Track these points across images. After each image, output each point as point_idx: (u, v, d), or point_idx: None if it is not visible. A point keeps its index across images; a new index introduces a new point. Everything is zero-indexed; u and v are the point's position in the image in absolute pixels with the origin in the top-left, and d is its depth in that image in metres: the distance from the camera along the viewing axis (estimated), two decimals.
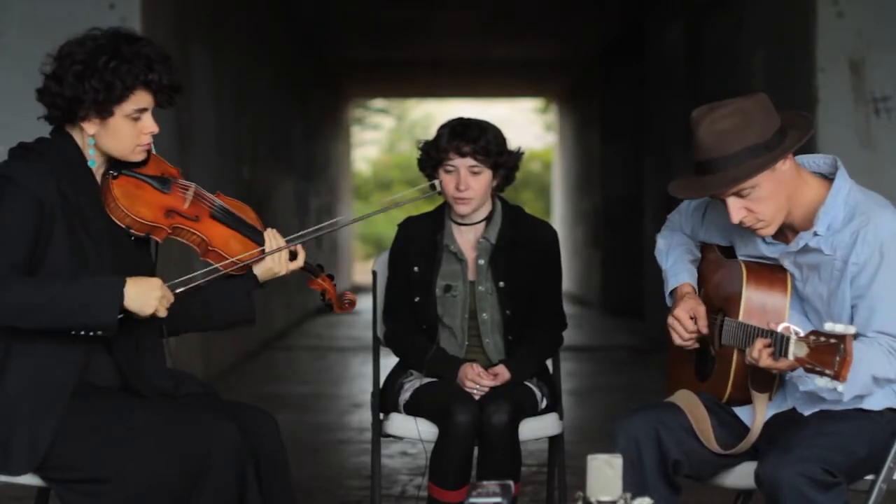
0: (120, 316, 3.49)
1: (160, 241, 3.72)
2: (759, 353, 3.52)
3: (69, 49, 3.64)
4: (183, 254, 3.98)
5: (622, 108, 16.55)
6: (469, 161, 4.51)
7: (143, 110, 3.65)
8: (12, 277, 3.48)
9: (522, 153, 4.64)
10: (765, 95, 3.67)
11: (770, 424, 3.75)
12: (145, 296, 3.51)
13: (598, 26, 15.76)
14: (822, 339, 3.30)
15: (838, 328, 3.28)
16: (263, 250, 3.81)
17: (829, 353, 3.27)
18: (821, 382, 3.32)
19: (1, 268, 3.48)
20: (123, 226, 3.65)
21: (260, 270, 3.83)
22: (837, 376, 3.26)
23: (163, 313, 3.54)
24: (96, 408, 3.56)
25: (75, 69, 3.60)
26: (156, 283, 3.54)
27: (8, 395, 3.56)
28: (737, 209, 3.61)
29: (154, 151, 3.81)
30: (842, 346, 3.25)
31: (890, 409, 3.71)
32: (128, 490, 3.48)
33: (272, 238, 3.83)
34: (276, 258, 3.83)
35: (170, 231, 3.69)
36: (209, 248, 3.73)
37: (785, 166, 3.63)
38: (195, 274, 3.66)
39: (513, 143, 4.63)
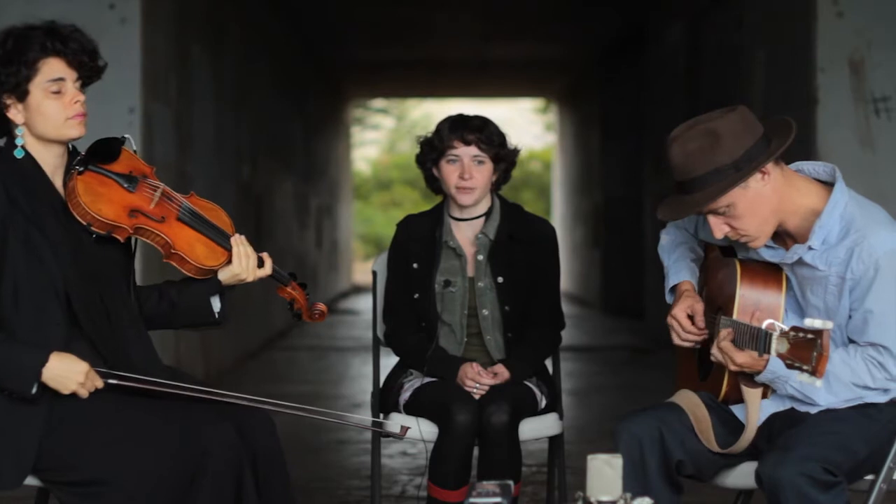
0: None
1: (122, 241, 3.69)
2: (722, 348, 3.58)
3: None
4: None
5: (622, 108, 16.55)
6: (473, 150, 4.53)
7: (61, 80, 3.60)
8: None
9: (519, 150, 4.66)
10: (744, 109, 3.66)
11: (770, 424, 3.76)
12: (64, 377, 3.51)
13: (598, 26, 15.76)
14: (801, 334, 3.33)
15: (817, 323, 3.30)
16: (230, 256, 3.76)
17: (807, 349, 3.30)
18: (800, 378, 3.34)
19: None
20: (84, 223, 3.61)
21: (225, 276, 3.79)
22: (815, 372, 3.28)
23: (83, 395, 3.53)
24: (91, 409, 3.55)
25: None
26: (81, 367, 3.52)
27: None
28: (718, 226, 3.64)
29: (133, 149, 3.78)
30: (819, 341, 3.27)
31: (893, 403, 3.71)
32: (125, 491, 3.47)
33: (239, 244, 3.78)
34: (243, 263, 3.77)
35: (132, 231, 3.65)
36: (172, 250, 3.69)
37: (763, 181, 3.61)
38: (139, 377, 3.59)
39: (512, 142, 4.65)
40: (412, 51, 17.66)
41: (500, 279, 4.55)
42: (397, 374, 4.65)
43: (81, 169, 3.65)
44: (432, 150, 4.58)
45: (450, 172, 4.55)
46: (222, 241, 3.77)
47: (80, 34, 3.65)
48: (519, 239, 4.59)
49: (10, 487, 3.55)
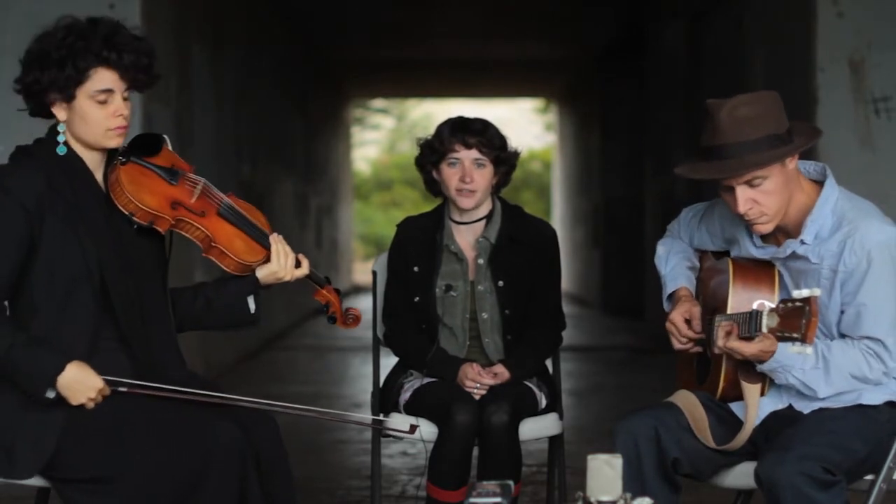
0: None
1: (163, 232, 3.72)
2: (724, 340, 3.57)
3: (37, 35, 3.64)
4: (184, 254, 3.98)
5: (622, 108, 16.54)
6: (474, 153, 4.53)
7: (109, 91, 3.60)
8: None
9: (519, 153, 4.66)
10: (777, 94, 3.72)
11: (769, 423, 3.76)
12: (75, 388, 3.53)
13: (598, 26, 15.76)
14: (790, 304, 3.36)
15: (804, 292, 3.33)
16: (268, 254, 3.79)
17: (796, 318, 3.33)
18: (792, 350, 3.36)
19: None
20: (126, 212, 3.64)
21: (263, 273, 3.80)
22: (804, 338, 3.31)
23: (90, 406, 3.55)
24: (100, 407, 3.56)
25: (32, 50, 3.60)
26: (95, 383, 3.53)
27: (13, 401, 3.57)
28: (745, 199, 3.63)
29: (169, 147, 3.80)
30: (807, 308, 3.30)
31: (889, 404, 3.72)
32: (131, 489, 3.48)
33: (277, 242, 3.81)
34: (282, 262, 3.79)
35: (173, 222, 3.68)
36: (212, 244, 3.71)
37: (791, 165, 3.67)
38: (144, 383, 3.60)
39: (512, 143, 4.65)
40: (412, 51, 17.66)
41: (500, 283, 4.55)
42: (397, 374, 4.65)
43: (124, 160, 3.69)
44: (432, 152, 4.58)
45: (450, 175, 4.55)
46: (261, 238, 3.79)
47: (139, 44, 3.64)
48: (520, 241, 4.59)
49: (21, 478, 3.58)
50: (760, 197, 3.63)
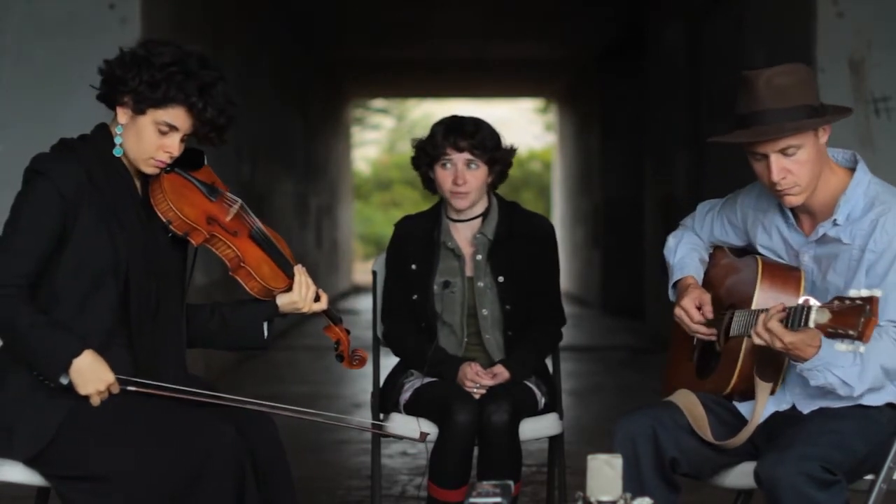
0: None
1: (196, 245, 3.74)
2: (770, 320, 3.49)
3: (150, 39, 3.72)
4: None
5: (622, 108, 16.54)
6: (466, 155, 4.54)
7: (174, 128, 3.65)
8: (9, 291, 3.54)
9: (515, 150, 4.67)
10: (810, 68, 3.76)
11: (770, 423, 3.76)
12: (87, 376, 3.55)
13: (598, 26, 15.76)
14: (847, 302, 3.32)
15: (864, 292, 3.30)
16: (291, 284, 3.84)
17: (853, 315, 3.28)
18: (840, 347, 3.32)
19: (9, 277, 3.55)
20: (164, 220, 3.69)
21: (283, 301, 3.86)
22: (861, 336, 3.27)
23: (95, 402, 3.57)
24: (103, 405, 3.58)
25: (138, 53, 3.65)
26: (107, 376, 3.57)
27: (23, 384, 3.59)
28: (779, 168, 3.65)
29: (206, 162, 3.85)
30: (868, 307, 3.27)
31: (890, 406, 3.72)
32: (127, 489, 3.50)
33: (301, 274, 3.86)
34: (303, 294, 3.85)
35: (207, 236, 3.72)
36: (241, 264, 3.76)
37: (823, 139, 3.70)
38: (162, 384, 3.62)
39: (512, 142, 4.66)
40: (412, 51, 17.66)
41: (500, 278, 4.56)
42: (398, 373, 4.66)
43: (169, 169, 3.73)
44: (425, 155, 4.61)
45: (444, 177, 4.57)
46: (286, 267, 3.86)
47: (228, 106, 3.68)
48: (518, 236, 4.61)
49: (19, 458, 3.60)
50: (794, 167, 3.65)
